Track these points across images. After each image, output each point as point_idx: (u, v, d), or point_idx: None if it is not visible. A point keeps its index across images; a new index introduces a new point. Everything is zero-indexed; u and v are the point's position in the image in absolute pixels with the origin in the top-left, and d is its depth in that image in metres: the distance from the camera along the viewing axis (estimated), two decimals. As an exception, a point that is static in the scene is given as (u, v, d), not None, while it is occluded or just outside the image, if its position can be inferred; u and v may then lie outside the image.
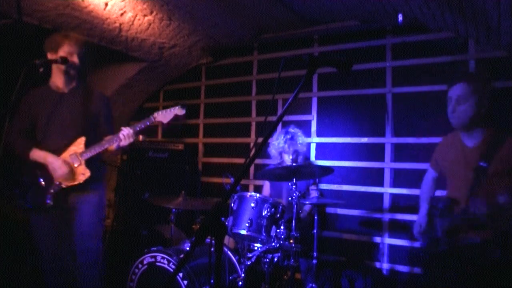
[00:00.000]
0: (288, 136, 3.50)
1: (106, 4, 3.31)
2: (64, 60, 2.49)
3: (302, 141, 3.55)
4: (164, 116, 2.28)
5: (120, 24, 3.64)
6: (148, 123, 2.31)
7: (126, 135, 2.31)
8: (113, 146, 2.47)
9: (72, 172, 2.49)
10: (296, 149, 3.48)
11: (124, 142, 2.32)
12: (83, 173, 2.49)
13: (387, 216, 3.68)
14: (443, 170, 2.53)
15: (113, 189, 4.46)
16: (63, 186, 2.49)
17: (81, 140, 2.51)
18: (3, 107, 2.16)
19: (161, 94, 5.21)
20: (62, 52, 2.52)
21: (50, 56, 2.51)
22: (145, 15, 3.57)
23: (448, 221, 2.20)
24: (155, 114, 2.29)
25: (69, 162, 2.48)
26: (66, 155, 2.50)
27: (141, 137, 4.46)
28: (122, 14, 3.49)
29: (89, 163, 2.50)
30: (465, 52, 3.43)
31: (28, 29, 3.45)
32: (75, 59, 2.54)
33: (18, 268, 3.26)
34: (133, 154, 4.26)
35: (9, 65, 3.06)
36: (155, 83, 4.96)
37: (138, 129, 2.33)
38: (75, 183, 2.49)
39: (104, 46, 3.85)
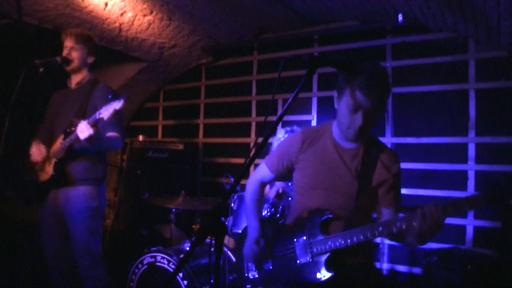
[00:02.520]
0: (287, 135, 3.51)
1: (106, 4, 3.31)
2: (64, 60, 2.50)
3: None
4: (106, 111, 2.23)
5: (120, 24, 3.64)
6: (96, 118, 2.26)
7: (79, 128, 2.26)
8: (78, 141, 2.36)
9: (44, 167, 2.53)
10: None
11: (82, 136, 2.25)
12: (46, 172, 2.51)
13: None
14: (298, 173, 1.87)
15: (113, 189, 4.47)
16: (40, 180, 2.52)
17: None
18: (3, 107, 2.16)
19: (161, 94, 5.21)
20: (65, 49, 2.54)
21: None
22: (145, 15, 3.57)
23: (326, 243, 1.66)
24: (101, 110, 2.25)
25: (47, 154, 2.53)
26: (51, 149, 2.54)
27: (141, 137, 4.46)
28: (122, 14, 3.49)
29: (65, 159, 2.48)
30: (465, 52, 3.43)
31: (28, 29, 3.45)
32: (75, 54, 2.55)
33: (18, 268, 3.26)
34: (133, 154, 4.26)
35: (9, 65, 3.07)
36: (155, 83, 4.96)
37: (90, 123, 2.27)
38: (44, 179, 2.51)
39: (104, 46, 3.85)
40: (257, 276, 1.87)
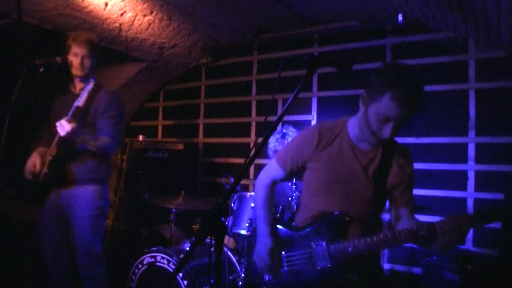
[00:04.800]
0: (278, 135, 3.50)
1: (106, 4, 3.30)
2: (64, 62, 2.50)
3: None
4: (81, 98, 2.36)
5: (120, 24, 3.64)
6: (74, 109, 2.35)
7: (59, 125, 2.31)
8: (61, 141, 2.43)
9: (44, 166, 2.54)
10: None
11: (62, 133, 2.31)
12: (43, 171, 2.51)
13: (386, 216, 3.67)
14: (311, 172, 1.81)
15: (113, 189, 4.46)
16: (40, 180, 2.53)
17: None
18: (3, 107, 2.16)
19: (161, 94, 5.21)
20: (77, 56, 2.54)
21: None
22: (145, 15, 3.57)
23: (347, 249, 1.63)
24: (78, 99, 2.36)
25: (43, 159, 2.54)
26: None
27: (141, 137, 4.46)
28: (122, 14, 3.49)
29: (60, 157, 2.48)
30: (465, 52, 3.43)
31: (28, 29, 3.45)
32: (87, 62, 2.56)
33: (18, 268, 3.26)
34: (133, 154, 4.26)
35: (9, 65, 3.07)
36: (155, 83, 4.96)
37: (69, 118, 2.34)
38: (40, 180, 2.52)
39: (104, 46, 3.85)
40: (272, 279, 1.77)
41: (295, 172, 1.85)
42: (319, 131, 1.77)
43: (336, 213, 1.71)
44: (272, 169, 1.89)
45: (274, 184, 1.91)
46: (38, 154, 2.57)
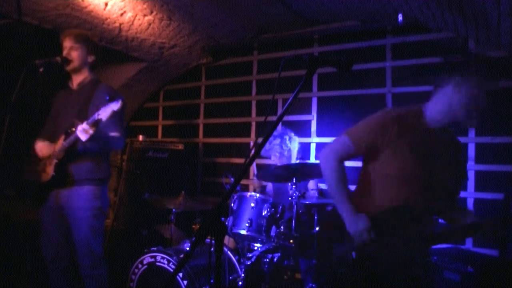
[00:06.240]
0: (274, 139, 3.51)
1: (106, 4, 3.31)
2: (64, 60, 2.50)
3: (289, 143, 3.51)
4: (104, 112, 2.26)
5: (120, 24, 3.64)
6: (95, 119, 2.28)
7: (80, 129, 2.28)
8: (79, 142, 2.38)
9: (45, 167, 2.52)
10: (280, 151, 3.48)
11: (83, 137, 2.28)
12: (47, 173, 2.50)
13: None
14: (385, 159, 1.74)
15: (113, 189, 4.46)
16: (41, 181, 2.51)
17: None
18: (3, 107, 2.16)
19: (161, 94, 5.21)
20: (65, 49, 2.54)
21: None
22: (145, 15, 3.57)
23: (429, 241, 1.65)
24: (99, 111, 2.28)
25: (51, 154, 2.52)
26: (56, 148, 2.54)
27: (141, 137, 4.47)
28: (122, 14, 3.49)
29: (66, 160, 2.48)
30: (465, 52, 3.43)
31: (28, 29, 3.45)
32: (74, 54, 2.55)
33: (18, 268, 3.26)
34: (133, 154, 4.26)
35: (9, 65, 3.07)
36: (155, 83, 4.96)
37: (89, 123, 2.29)
38: (45, 179, 2.50)
39: (104, 46, 3.85)
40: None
41: (364, 152, 1.77)
42: (398, 116, 1.73)
43: (422, 205, 1.66)
44: (340, 144, 1.79)
45: (342, 161, 1.81)
46: (42, 142, 2.56)
